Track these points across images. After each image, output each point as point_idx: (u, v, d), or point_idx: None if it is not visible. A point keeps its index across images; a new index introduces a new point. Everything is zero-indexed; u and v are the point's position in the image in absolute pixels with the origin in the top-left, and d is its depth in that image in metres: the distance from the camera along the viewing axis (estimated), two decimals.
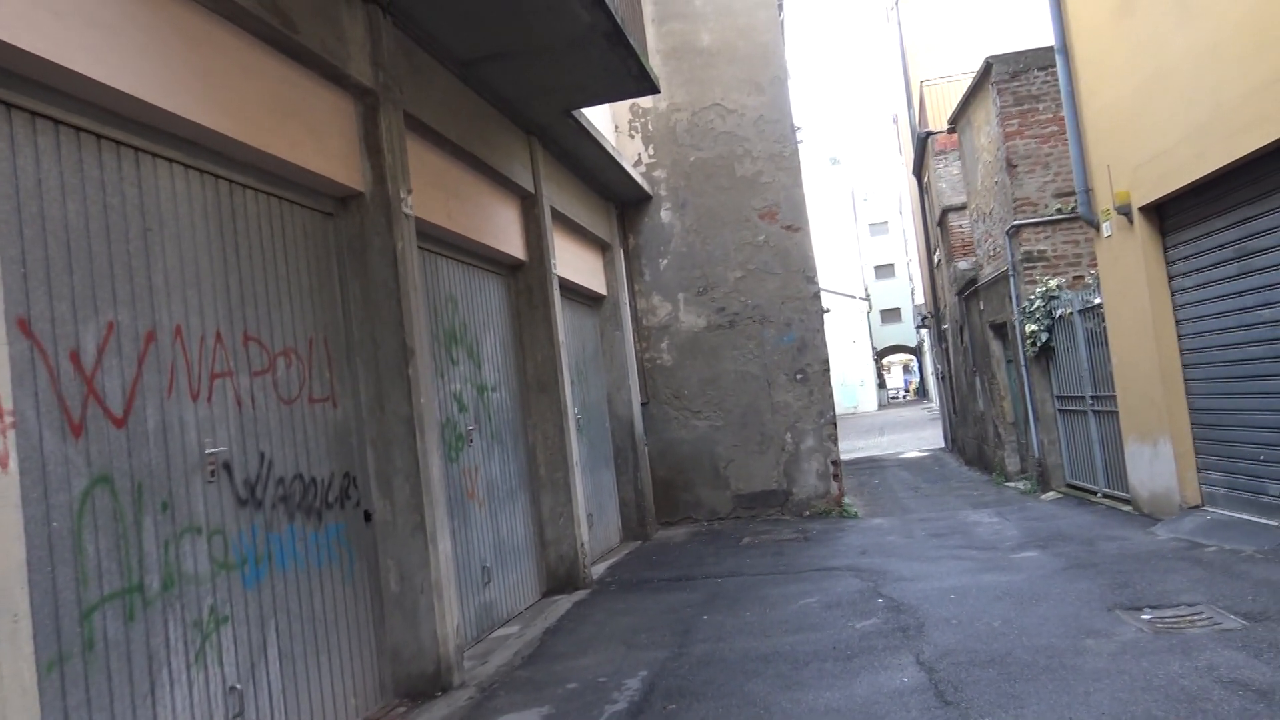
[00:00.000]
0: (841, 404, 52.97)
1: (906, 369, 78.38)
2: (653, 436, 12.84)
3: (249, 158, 4.90)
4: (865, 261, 64.24)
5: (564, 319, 9.78)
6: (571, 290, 10.66)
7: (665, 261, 13.06)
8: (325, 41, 5.37)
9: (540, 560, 8.76)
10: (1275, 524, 7.94)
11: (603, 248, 12.01)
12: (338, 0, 5.58)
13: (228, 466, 4.54)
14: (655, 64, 12.88)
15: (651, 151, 13.14)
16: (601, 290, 11.78)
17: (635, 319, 12.95)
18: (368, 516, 5.75)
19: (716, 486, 12.84)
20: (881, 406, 60.70)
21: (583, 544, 8.96)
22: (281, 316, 5.14)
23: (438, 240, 7.26)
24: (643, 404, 12.69)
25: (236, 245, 4.83)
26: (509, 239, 8.53)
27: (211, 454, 4.43)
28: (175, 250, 4.38)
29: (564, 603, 8.30)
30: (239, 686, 4.42)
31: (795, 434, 12.81)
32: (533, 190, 8.94)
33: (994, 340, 16.39)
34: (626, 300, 12.36)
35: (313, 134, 5.38)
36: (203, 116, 4.43)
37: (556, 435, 8.86)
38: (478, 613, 7.23)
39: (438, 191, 7.06)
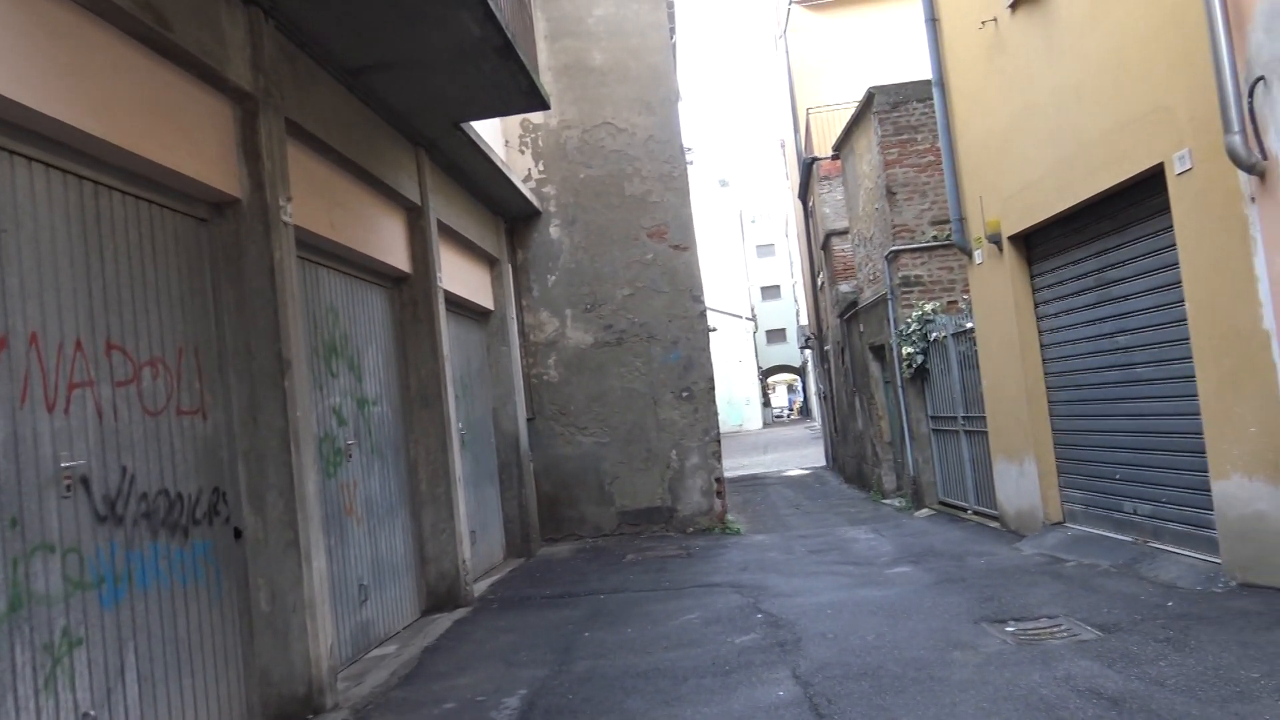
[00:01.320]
0: (727, 422, 53.67)
1: (791, 388, 79.94)
2: (538, 452, 12.76)
3: (117, 159, 4.69)
4: (752, 282, 65.43)
5: (449, 333, 9.65)
6: (458, 304, 10.54)
7: (554, 278, 13.03)
8: (202, 42, 5.20)
9: (420, 578, 8.61)
10: (1129, 539, 8.34)
11: (491, 262, 11.91)
12: (217, 0, 5.43)
13: (85, 481, 4.33)
14: (547, 80, 12.88)
15: (542, 167, 13.11)
16: (489, 305, 11.67)
17: (523, 334, 12.87)
18: (238, 533, 5.55)
19: (602, 503, 12.82)
20: (766, 425, 61.68)
21: (464, 561, 8.83)
22: (149, 324, 4.93)
23: (319, 250, 7.08)
24: (528, 420, 12.61)
25: (101, 250, 4.62)
26: (394, 251, 8.39)
27: (68, 468, 4.21)
28: (33, 253, 4.16)
29: (444, 621, 8.17)
30: (93, 713, 4.20)
31: (680, 451, 12.89)
32: (419, 202, 8.82)
33: (873, 361, 16.84)
34: (514, 315, 12.28)
35: (187, 137, 5.20)
36: (67, 114, 4.23)
37: (439, 450, 8.73)
38: (354, 632, 7.05)
39: (320, 200, 6.89)
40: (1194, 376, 7.08)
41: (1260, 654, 5.13)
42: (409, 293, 8.77)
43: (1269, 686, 4.64)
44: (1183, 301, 7.14)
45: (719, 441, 13.06)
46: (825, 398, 27.51)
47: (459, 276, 10.42)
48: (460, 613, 8.48)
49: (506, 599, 9.03)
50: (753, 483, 23.56)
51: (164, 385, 5.00)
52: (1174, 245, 7.19)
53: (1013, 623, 6.37)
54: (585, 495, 12.84)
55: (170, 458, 4.99)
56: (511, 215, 12.68)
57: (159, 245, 5.10)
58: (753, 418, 58.38)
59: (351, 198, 7.53)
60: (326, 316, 7.14)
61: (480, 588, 9.59)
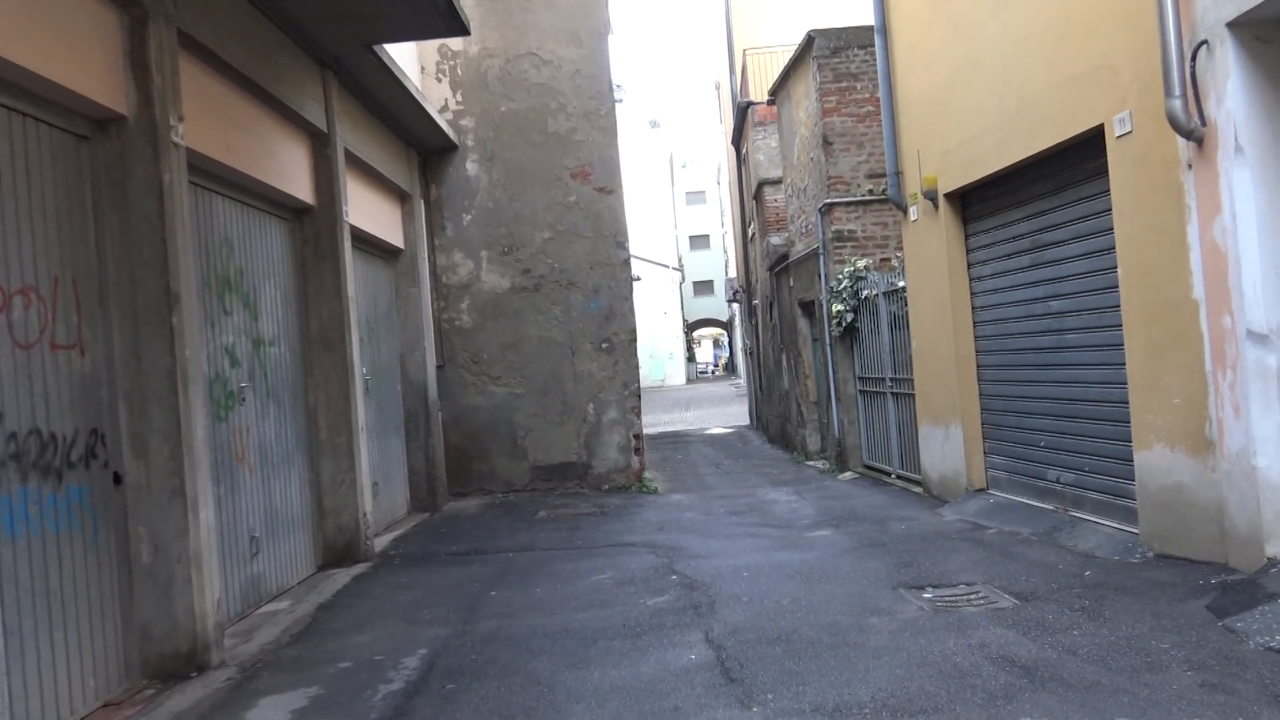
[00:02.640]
0: (648, 376, 53.92)
1: (717, 343, 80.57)
2: (448, 402, 12.69)
3: None
4: (681, 231, 65.50)
5: (355, 271, 9.51)
6: (365, 241, 10.38)
7: (469, 217, 12.89)
8: None
9: (317, 531, 8.55)
10: (1050, 508, 8.63)
11: (402, 197, 11.72)
12: None
13: None
14: (467, 3, 12.64)
15: (460, 98, 12.90)
16: (399, 243, 11.51)
17: (434, 276, 12.74)
18: (117, 479, 5.43)
19: (514, 457, 12.83)
20: (690, 381, 62.14)
21: (365, 514, 8.80)
22: (20, 249, 4.75)
23: (214, 176, 6.91)
24: (438, 367, 12.52)
25: None
26: (296, 180, 8.22)
27: None
28: None
29: (342, 577, 8.16)
30: None
31: (598, 405, 12.94)
32: (325, 128, 8.64)
33: (802, 318, 17.04)
34: (426, 255, 12.13)
35: (68, 45, 4.99)
36: None
37: (341, 397, 8.64)
38: (244, 587, 7.00)
39: (216, 121, 6.71)
40: (1123, 345, 7.28)
41: (1172, 625, 5.38)
42: (312, 226, 8.62)
43: (1178, 657, 4.87)
44: (1116, 268, 7.32)
45: (639, 396, 13.14)
46: (751, 354, 27.80)
47: (367, 211, 10.26)
48: (360, 568, 8.46)
49: (409, 555, 9.03)
50: (673, 440, 23.77)
51: (37, 316, 4.83)
52: (1110, 210, 7.35)
53: (930, 589, 6.57)
54: (496, 448, 12.83)
55: (43, 395, 4.84)
56: (426, 148, 12.47)
57: (33, 163, 4.91)
58: (676, 373, 58.81)
59: (251, 120, 7.35)
60: (220, 248, 6.99)
61: (382, 543, 9.58)
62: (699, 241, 67.56)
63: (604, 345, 13.00)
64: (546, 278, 12.94)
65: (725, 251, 54.90)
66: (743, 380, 44.36)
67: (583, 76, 12.94)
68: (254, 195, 7.65)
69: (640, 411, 13.14)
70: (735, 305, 40.71)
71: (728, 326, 65.44)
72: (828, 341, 14.53)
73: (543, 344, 12.94)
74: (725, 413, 33.34)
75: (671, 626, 6.02)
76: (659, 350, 56.80)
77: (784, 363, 19.49)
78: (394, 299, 11.58)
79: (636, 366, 13.19)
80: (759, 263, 22.61)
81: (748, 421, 28.77)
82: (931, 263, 10.39)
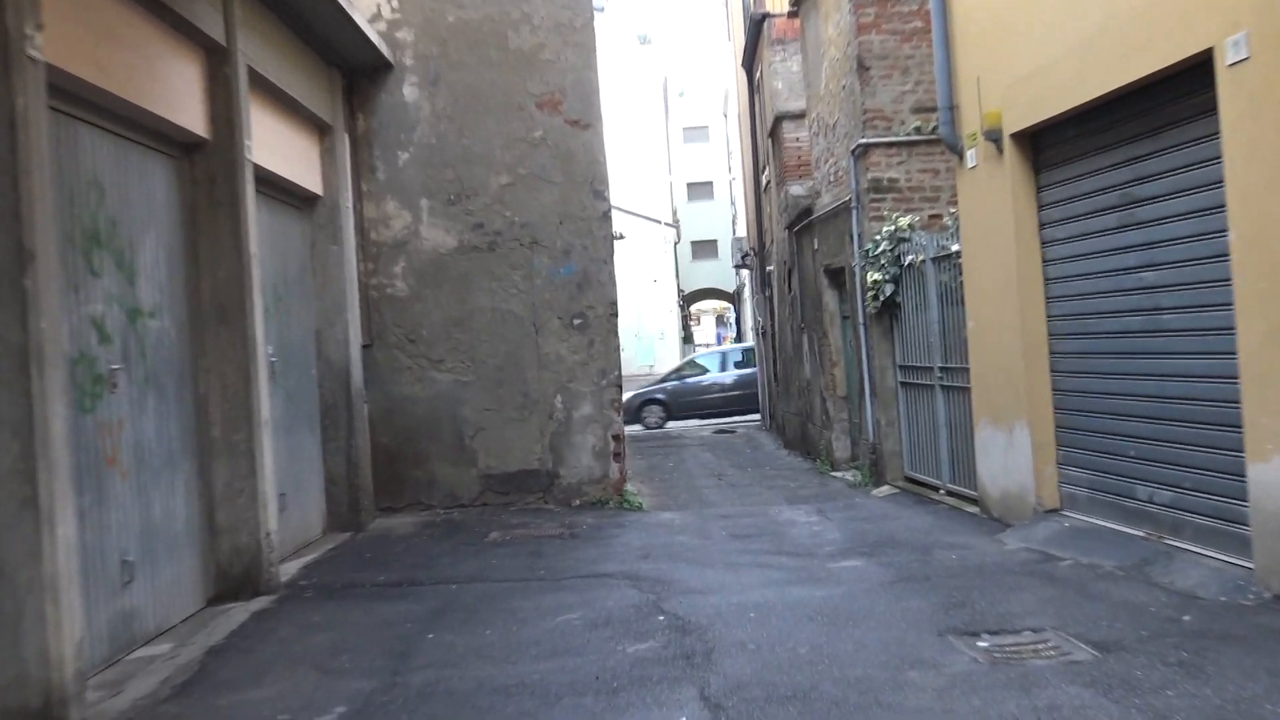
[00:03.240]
0: (634, 362, 53.90)
1: (722, 320, 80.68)
2: (376, 392, 12.68)
3: None
4: (677, 177, 65.47)
5: (260, 223, 9.45)
6: (274, 185, 10.33)
7: (407, 156, 12.85)
8: None
9: (208, 554, 8.52)
10: (1140, 534, 8.64)
11: (321, 130, 11.67)
12: None
13: None
14: None
15: (396, 4, 12.84)
16: (316, 188, 11.47)
17: (361, 231, 12.72)
18: None
19: (460, 463, 12.82)
20: None
21: (269, 534, 8.78)
22: None
23: (81, 100, 6.84)
24: (364, 346, 12.47)
25: None
26: (186, 106, 8.16)
27: None
28: None
29: (239, 613, 8.14)
30: None
31: (568, 398, 12.94)
32: (223, 41, 8.58)
33: (829, 290, 17.04)
34: (350, 205, 12.07)
35: None
36: None
37: (240, 383, 8.60)
38: (113, 624, 6.95)
39: (84, 31, 6.64)
40: (1235, 328, 7.26)
41: None
42: (205, 166, 8.57)
43: None
44: (1226, 231, 7.29)
45: (620, 387, 13.18)
46: (765, 335, 27.82)
47: (277, 147, 10.20)
48: (261, 602, 8.44)
49: (325, 586, 9.02)
50: (664, 443, 23.80)
51: None
52: (1219, 158, 7.32)
53: (987, 636, 6.57)
54: (438, 451, 12.81)
55: None
56: (352, 67, 12.41)
57: None
58: (669, 357, 58.71)
59: (129, 30, 7.27)
60: (87, 193, 6.93)
61: (290, 570, 9.57)
62: (699, 191, 67.60)
63: (576, 321, 12.99)
64: (504, 235, 12.91)
65: (732, 204, 54.85)
66: (753, 368, 44.36)
67: None
68: (132, 126, 7.57)
69: (622, 406, 13.13)
70: (744, 273, 40.65)
71: (735, 299, 65.40)
72: (861, 320, 14.53)
73: (498, 319, 12.93)
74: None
75: (658, 680, 6.00)
76: (647, 329, 56.83)
77: (805, 346, 19.52)
78: (309, 259, 11.52)
79: (617, 349, 13.20)
80: (775, 219, 22.58)
81: (758, 420, 28.83)
82: (993, 221, 10.39)
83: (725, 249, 61.59)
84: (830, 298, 17.06)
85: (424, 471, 12.83)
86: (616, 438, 13.12)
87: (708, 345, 78.71)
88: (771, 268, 24.83)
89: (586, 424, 13.03)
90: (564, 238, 12.95)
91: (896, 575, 8.45)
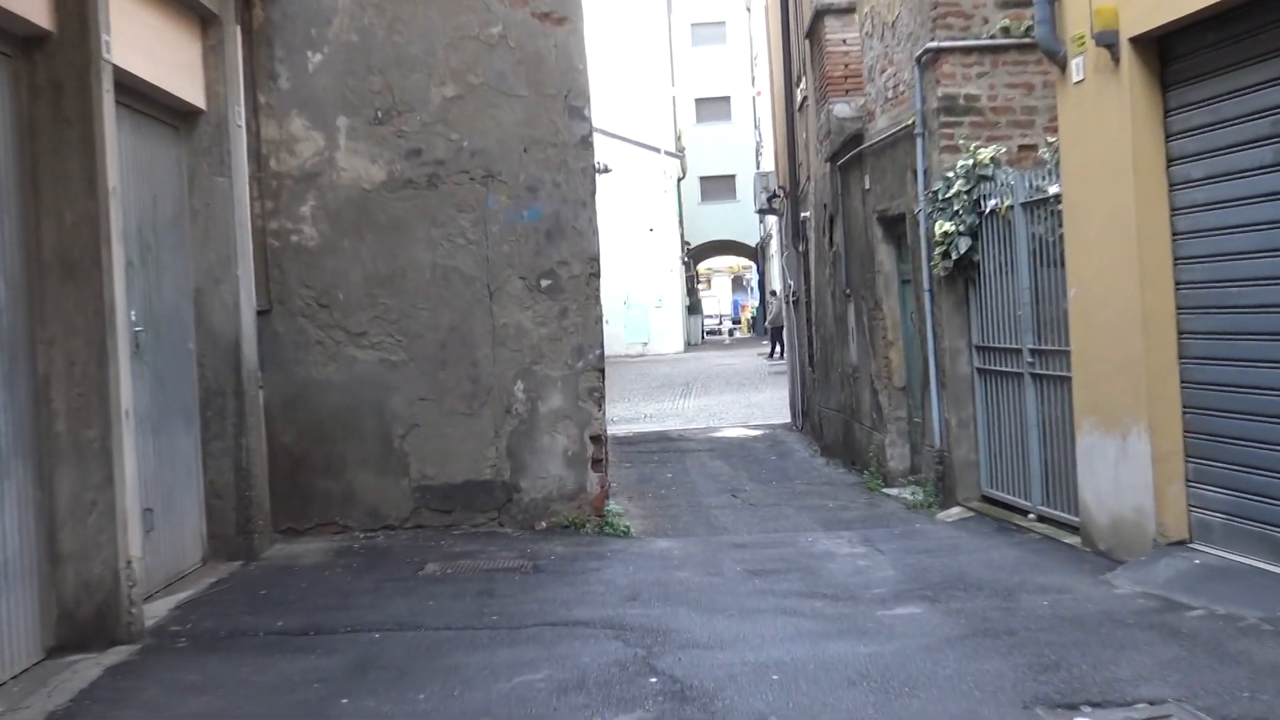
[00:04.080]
0: (621, 339, 53.96)
1: (741, 283, 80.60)
2: (276, 374, 12.68)
3: None
4: (682, 90, 65.33)
5: (122, 148, 9.33)
6: (139, 96, 10.23)
7: (319, 58, 12.81)
8: None
9: (47, 589, 8.40)
10: None
11: (204, 22, 11.53)
12: None
13: None
14: None
15: None
16: (197, 100, 11.36)
17: (257, 159, 12.66)
18: None
19: (387, 471, 12.82)
20: (692, 346, 62.10)
21: (130, 563, 8.65)
22: None
23: None
24: (260, 313, 12.38)
25: None
26: None
27: None
28: None
29: (89, 669, 7.98)
30: None
31: (532, 385, 12.94)
32: None
33: (884, 244, 16.96)
34: (242, 123, 12.00)
35: None
36: None
37: (92, 361, 8.47)
38: None
39: None
40: None
41: None
42: (48, 69, 8.45)
43: None
44: None
45: (602, 371, 13.14)
46: (797, 304, 27.69)
47: (144, 44, 10.05)
48: (120, 654, 8.30)
49: (205, 633, 8.92)
50: (660, 447, 23.71)
51: None
52: None
53: (1089, 709, 6.51)
54: (358, 455, 12.79)
55: None
56: None
57: None
58: (668, 332, 58.80)
59: None
60: None
61: (159, 611, 9.46)
62: (712, 110, 67.53)
63: (544, 283, 12.94)
64: (449, 166, 12.86)
65: (756, 128, 54.64)
66: (780, 348, 44.24)
67: None
68: None
69: (604, 397, 13.14)
70: (771, 220, 40.52)
71: (757, 255, 65.30)
72: (927, 285, 14.49)
73: (440, 279, 12.89)
74: (750, 402, 33.32)
75: None
76: (639, 294, 56.75)
77: (851, 320, 19.47)
78: (187, 196, 11.41)
79: (599, 320, 13.18)
80: (813, 149, 22.47)
81: (788, 418, 28.79)
82: (1106, 155, 10.30)
83: (745, 188, 60.85)
84: (886, 255, 16.98)
85: (339, 482, 12.78)
86: (597, 439, 13.06)
87: (719, 318, 78.66)
88: (807, 214, 24.72)
89: (556, 420, 12.97)
90: (529, 170, 12.86)
91: (968, 627, 8.40)
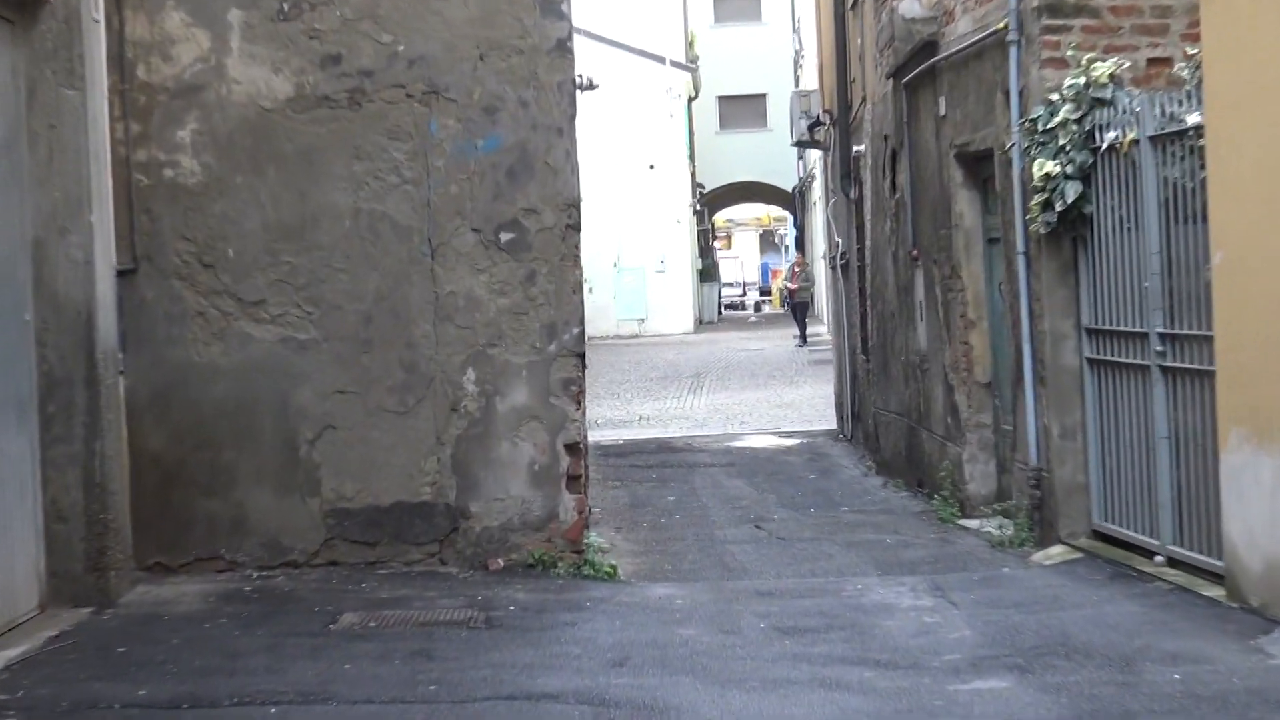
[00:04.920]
0: (611, 313, 53.96)
1: (772, 240, 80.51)
2: (141, 356, 12.67)
3: None
4: None
5: None
6: None
7: None
8: None
9: None
10: None
11: None
12: None
13: None
14: None
15: None
16: None
17: (120, 66, 12.61)
18: None
19: (290, 487, 12.85)
20: (706, 324, 62.10)
21: None
22: None
23: None
24: (122, 274, 12.35)
25: None
26: None
27: None
28: None
29: None
30: None
31: (487, 374, 12.91)
32: None
33: (964, 190, 16.91)
34: (99, 15, 11.88)
35: None
36: None
37: None
38: None
39: None
40: None
41: None
42: None
43: None
44: None
45: (582, 358, 13.08)
46: (847, 268, 27.61)
47: None
48: None
49: (42, 706, 8.86)
50: (660, 460, 23.87)
51: None
52: None
53: None
54: (251, 466, 12.81)
55: None
56: None
57: None
58: (673, 306, 58.69)
59: None
60: None
61: None
62: (736, 8, 67.51)
63: (505, 238, 12.90)
64: (378, 78, 12.85)
65: (794, 32, 54.60)
66: (825, 327, 44.09)
67: None
68: None
69: (584, 392, 13.05)
70: (814, 157, 40.46)
71: (795, 203, 65.16)
72: (1021, 247, 14.46)
73: (366, 230, 12.86)
74: (782, 401, 33.37)
75: None
76: (634, 254, 56.71)
77: (920, 292, 19.39)
78: (21, 115, 11.35)
79: (579, 289, 13.10)
80: (870, 62, 22.43)
81: (832, 424, 28.80)
82: (1266, 75, 10.26)
83: (780, 113, 60.76)
84: (966, 205, 16.94)
85: (225, 502, 12.75)
86: (574, 448, 12.97)
87: (743, 287, 78.24)
88: (861, 148, 24.71)
89: (520, 422, 12.90)
90: (486, 86, 12.82)
91: (1072, 709, 8.33)
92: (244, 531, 12.76)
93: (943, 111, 17.36)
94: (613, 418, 29.27)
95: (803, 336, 49.08)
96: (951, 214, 17.16)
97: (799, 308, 49.22)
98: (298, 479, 12.76)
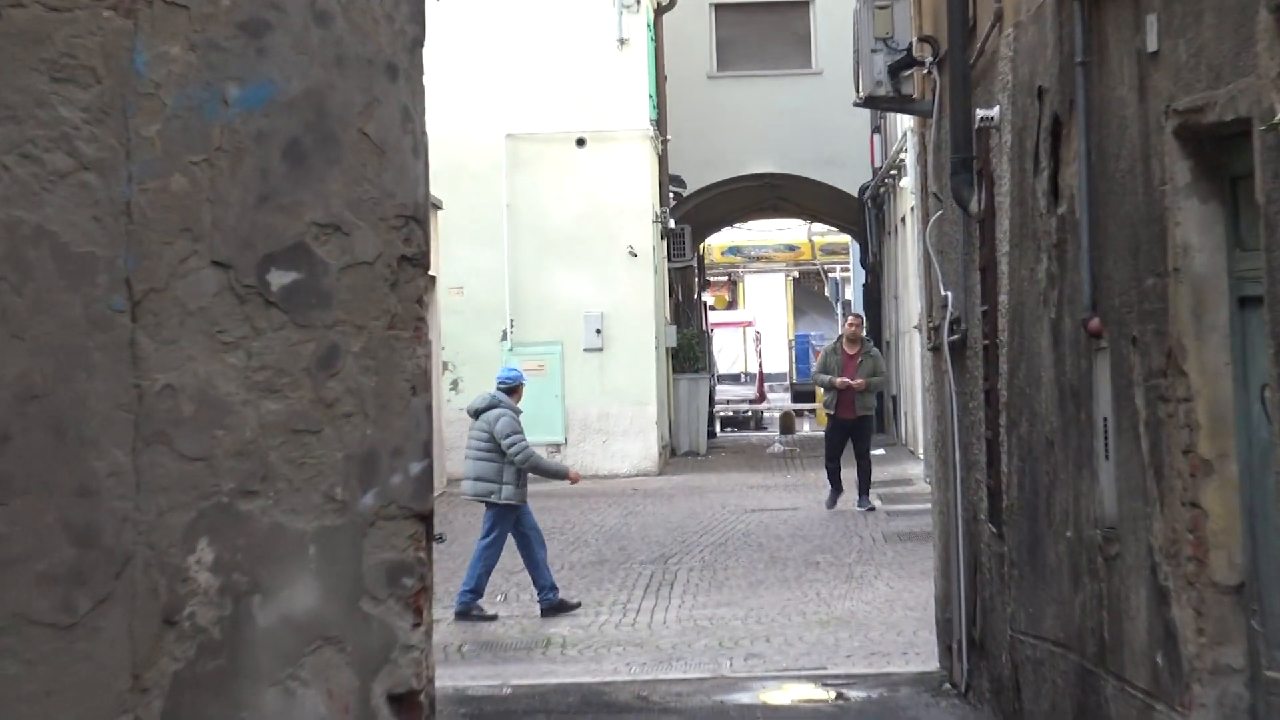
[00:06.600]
0: (528, 425, 47.51)
1: (818, 288, 74.66)
2: None
3: None
4: None
5: None
6: None
7: None
8: None
9: None
10: None
11: None
12: None
13: None
14: None
15: None
16: None
17: None
18: None
19: None
20: (683, 455, 52.53)
21: None
22: None
23: None
24: None
25: None
26: None
27: None
28: None
29: None
30: None
31: (234, 551, 9.83)
32: None
33: (1191, 198, 13.19)
34: None
35: None
36: None
37: None
38: None
39: None
40: None
41: None
42: None
43: None
44: None
45: (428, 520, 8.72)
46: (961, 351, 21.45)
47: None
48: None
49: None
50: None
51: None
52: None
53: None
54: None
55: None
56: None
57: None
58: (621, 424, 47.42)
59: None
60: None
61: None
62: None
63: (276, 279, 9.00)
64: None
65: None
66: (916, 467, 39.14)
67: None
68: None
69: (429, 591, 8.63)
70: (901, 127, 34.11)
71: (865, 221, 53.12)
72: None
73: (4, 258, 9.34)
74: (830, 613, 26.04)
75: None
76: (536, 320, 44.73)
77: (1101, 399, 14.51)
78: None
79: (422, 384, 8.93)
80: None
81: (931, 659, 22.66)
82: None
83: (835, 39, 44.98)
84: (1198, 227, 12.64)
85: None
86: (405, 702, 8.43)
87: (758, 379, 66.90)
88: (992, 112, 18.56)
89: (300, 649, 8.42)
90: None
91: None
92: None
93: (1152, 45, 12.69)
94: (498, 638, 22.50)
95: (865, 486, 34.50)
96: (1167, 247, 12.50)
97: (858, 427, 34.26)
98: None
